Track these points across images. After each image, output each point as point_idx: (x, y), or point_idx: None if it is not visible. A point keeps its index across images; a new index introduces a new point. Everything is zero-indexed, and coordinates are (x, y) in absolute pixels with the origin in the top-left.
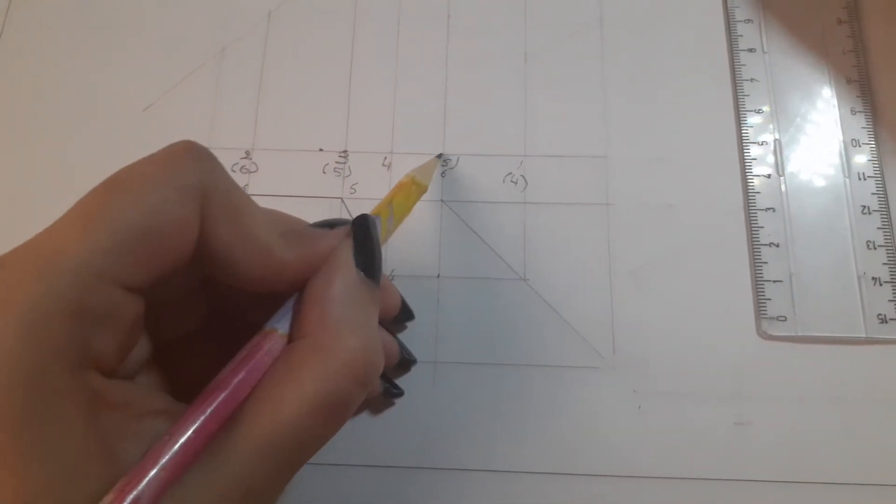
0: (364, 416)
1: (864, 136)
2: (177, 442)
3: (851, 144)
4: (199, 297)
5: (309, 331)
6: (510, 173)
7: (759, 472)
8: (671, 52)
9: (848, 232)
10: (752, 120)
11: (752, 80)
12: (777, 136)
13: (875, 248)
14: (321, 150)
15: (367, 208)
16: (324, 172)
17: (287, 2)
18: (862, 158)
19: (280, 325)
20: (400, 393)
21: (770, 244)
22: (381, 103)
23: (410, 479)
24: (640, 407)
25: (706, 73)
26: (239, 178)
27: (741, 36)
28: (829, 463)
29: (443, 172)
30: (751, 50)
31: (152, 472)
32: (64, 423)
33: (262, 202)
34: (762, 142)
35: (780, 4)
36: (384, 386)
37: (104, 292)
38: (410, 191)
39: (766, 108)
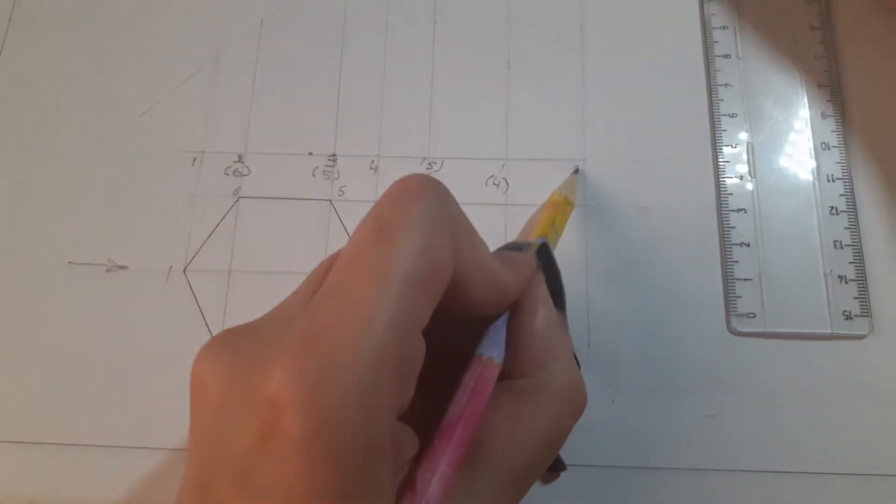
0: None
1: (834, 140)
2: (438, 473)
3: (821, 147)
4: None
5: (526, 367)
6: (492, 176)
7: (729, 461)
8: (649, 59)
9: (816, 232)
10: (726, 123)
11: (726, 84)
12: (750, 140)
13: (842, 248)
14: (311, 153)
15: (354, 211)
16: (313, 175)
17: (279, 10)
18: (831, 161)
19: (495, 354)
20: (562, 466)
21: (741, 244)
22: (369, 108)
23: None
24: (613, 400)
25: (682, 78)
26: (232, 181)
27: (717, 42)
28: (796, 453)
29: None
30: (726, 56)
31: None
32: (386, 480)
33: (254, 204)
34: (735, 144)
35: (754, 11)
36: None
37: (413, 341)
38: (566, 210)
39: (739, 112)
